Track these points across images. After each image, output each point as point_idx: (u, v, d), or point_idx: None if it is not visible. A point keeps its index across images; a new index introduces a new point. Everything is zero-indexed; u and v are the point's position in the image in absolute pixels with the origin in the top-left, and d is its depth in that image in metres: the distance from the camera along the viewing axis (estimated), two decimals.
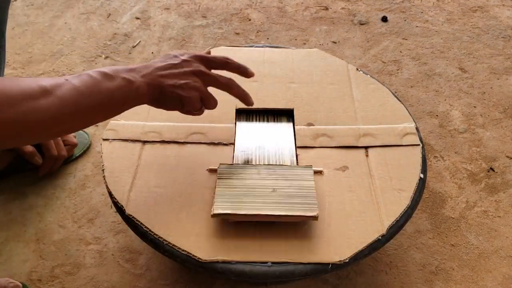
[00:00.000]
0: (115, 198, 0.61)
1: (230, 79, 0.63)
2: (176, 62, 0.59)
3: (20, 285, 0.71)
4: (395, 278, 0.76)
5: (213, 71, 0.62)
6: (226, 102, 0.76)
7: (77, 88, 0.50)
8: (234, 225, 0.59)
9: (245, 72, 0.65)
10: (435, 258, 0.79)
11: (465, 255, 0.80)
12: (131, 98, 0.56)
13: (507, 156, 0.97)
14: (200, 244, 0.57)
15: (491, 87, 1.13)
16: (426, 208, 0.87)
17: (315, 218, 0.57)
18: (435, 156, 0.96)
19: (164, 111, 0.73)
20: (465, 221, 0.85)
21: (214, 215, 0.57)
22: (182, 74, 0.59)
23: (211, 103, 0.62)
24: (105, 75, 0.53)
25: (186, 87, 0.58)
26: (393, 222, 0.60)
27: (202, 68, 0.60)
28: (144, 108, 0.74)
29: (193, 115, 0.64)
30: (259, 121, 0.74)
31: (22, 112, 0.46)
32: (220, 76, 0.62)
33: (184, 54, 0.61)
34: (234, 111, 0.74)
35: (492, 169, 0.94)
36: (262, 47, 0.88)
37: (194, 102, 0.60)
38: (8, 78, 0.48)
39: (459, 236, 0.82)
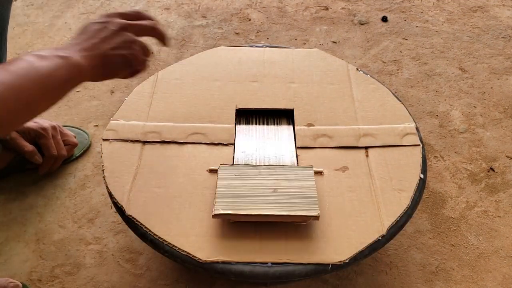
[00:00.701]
0: (115, 199, 0.61)
1: (152, 22, 0.61)
2: (100, 27, 0.56)
3: (20, 285, 0.71)
4: (395, 278, 0.76)
5: None
6: (226, 102, 0.76)
7: (9, 74, 0.46)
8: (234, 226, 0.59)
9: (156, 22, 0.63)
10: (435, 258, 0.79)
11: (465, 255, 0.80)
12: (73, 75, 0.52)
13: (507, 156, 0.97)
14: (200, 244, 0.57)
15: (491, 87, 1.13)
16: (426, 208, 0.87)
17: (316, 218, 0.57)
18: (435, 156, 0.96)
19: (165, 109, 0.73)
20: (465, 221, 0.85)
21: (215, 216, 0.57)
22: (114, 34, 0.56)
23: (148, 49, 0.60)
24: (38, 56, 0.49)
25: (125, 45, 0.56)
26: (393, 222, 0.60)
27: (124, 21, 0.58)
28: (144, 108, 0.74)
29: (138, 72, 0.60)
30: (259, 121, 0.74)
31: None
32: (142, 21, 0.60)
33: (100, 17, 0.57)
34: (234, 111, 0.74)
35: (492, 169, 0.94)
36: (262, 47, 0.88)
37: (138, 56, 0.58)
38: None
39: (459, 236, 0.82)
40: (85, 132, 0.99)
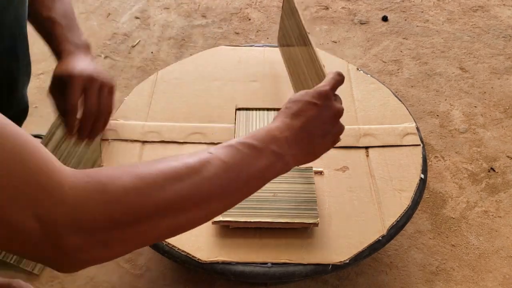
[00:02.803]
0: None
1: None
2: (319, 123, 0.50)
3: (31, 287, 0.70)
4: (396, 279, 0.76)
5: None
6: (226, 102, 0.75)
7: (226, 167, 0.43)
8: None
9: None
10: (436, 259, 0.79)
11: (465, 255, 0.79)
12: (279, 174, 0.47)
13: (508, 156, 0.96)
14: (200, 244, 0.57)
15: (492, 87, 1.12)
16: (427, 208, 0.86)
17: (315, 225, 0.57)
18: (435, 156, 0.96)
19: (164, 109, 0.73)
20: (465, 221, 0.84)
21: (215, 222, 0.57)
22: (329, 131, 0.51)
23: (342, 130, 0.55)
24: (253, 148, 0.45)
25: (335, 138, 0.52)
26: (393, 223, 0.59)
27: (341, 107, 0.53)
28: (144, 108, 0.74)
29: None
30: (259, 121, 0.73)
31: (165, 198, 0.38)
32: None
33: (318, 97, 0.51)
34: (234, 111, 0.74)
35: (492, 169, 0.94)
36: (262, 46, 0.88)
37: (337, 141, 0.54)
38: (146, 163, 0.42)
39: (460, 236, 0.82)
40: None
